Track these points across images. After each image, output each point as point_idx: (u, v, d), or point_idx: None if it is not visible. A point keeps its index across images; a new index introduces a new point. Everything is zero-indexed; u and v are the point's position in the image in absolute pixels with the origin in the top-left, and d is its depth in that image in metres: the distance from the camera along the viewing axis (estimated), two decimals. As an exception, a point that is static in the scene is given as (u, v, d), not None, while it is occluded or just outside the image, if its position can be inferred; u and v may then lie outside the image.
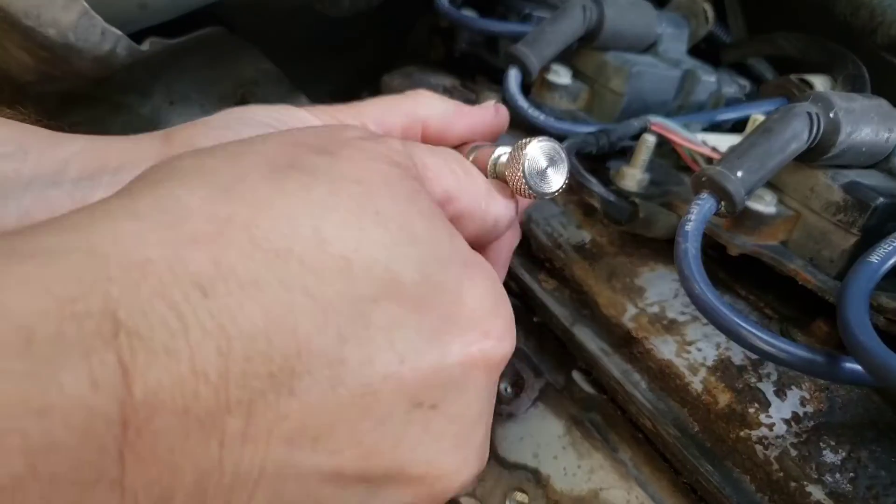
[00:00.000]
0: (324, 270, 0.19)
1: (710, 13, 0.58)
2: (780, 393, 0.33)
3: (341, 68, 0.86)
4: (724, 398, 0.33)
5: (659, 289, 0.40)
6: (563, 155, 0.29)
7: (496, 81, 0.62)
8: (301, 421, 0.19)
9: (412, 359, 0.21)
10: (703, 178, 0.34)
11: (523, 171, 0.28)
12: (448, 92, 0.65)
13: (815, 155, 0.36)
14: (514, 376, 0.40)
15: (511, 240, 0.36)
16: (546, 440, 0.37)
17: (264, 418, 0.18)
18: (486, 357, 0.23)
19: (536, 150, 0.28)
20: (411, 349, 0.21)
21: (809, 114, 0.34)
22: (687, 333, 0.37)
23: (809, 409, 0.32)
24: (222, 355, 0.17)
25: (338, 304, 0.19)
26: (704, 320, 0.37)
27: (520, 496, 0.36)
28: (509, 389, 0.40)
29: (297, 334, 0.19)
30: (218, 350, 0.17)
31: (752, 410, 0.32)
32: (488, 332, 0.23)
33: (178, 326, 0.17)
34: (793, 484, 0.30)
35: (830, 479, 0.30)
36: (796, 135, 0.34)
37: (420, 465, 0.22)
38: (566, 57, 0.56)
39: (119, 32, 0.40)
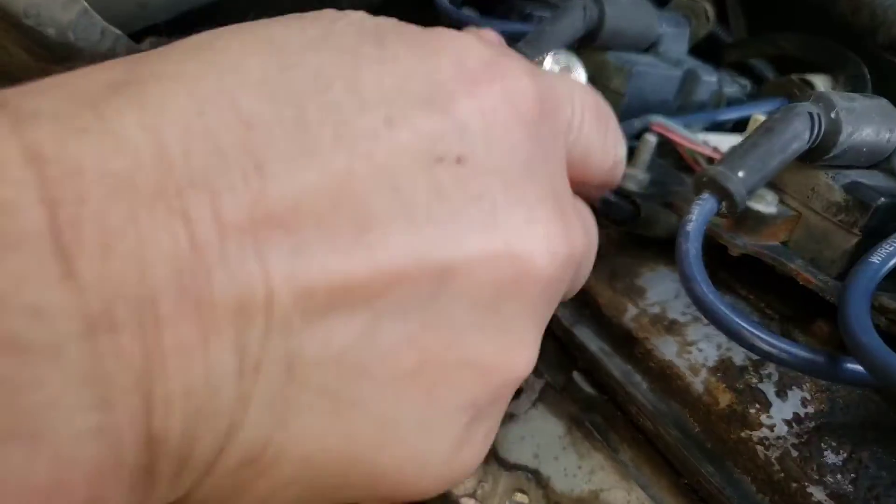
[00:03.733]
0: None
1: (711, 13, 0.58)
2: (781, 393, 0.33)
3: (341, 68, 0.86)
4: (724, 399, 0.33)
5: (660, 289, 0.40)
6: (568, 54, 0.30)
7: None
8: (281, 203, 0.15)
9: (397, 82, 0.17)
10: (705, 179, 0.34)
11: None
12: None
13: (816, 155, 0.35)
14: None
15: None
16: (546, 441, 0.37)
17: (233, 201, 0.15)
18: (505, 86, 0.19)
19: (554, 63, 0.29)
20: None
21: (811, 114, 0.34)
22: (688, 334, 0.37)
23: (810, 409, 0.32)
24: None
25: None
26: (705, 321, 0.37)
27: (520, 497, 0.36)
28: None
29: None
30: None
31: (752, 411, 0.32)
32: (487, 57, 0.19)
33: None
34: (794, 485, 0.30)
35: (831, 480, 0.29)
36: (797, 135, 0.34)
37: (474, 244, 0.17)
38: (567, 57, 0.56)
39: (118, 32, 0.40)
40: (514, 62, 0.21)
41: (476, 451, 0.21)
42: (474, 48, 0.20)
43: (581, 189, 0.26)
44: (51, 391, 0.13)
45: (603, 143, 0.26)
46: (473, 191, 0.18)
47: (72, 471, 0.13)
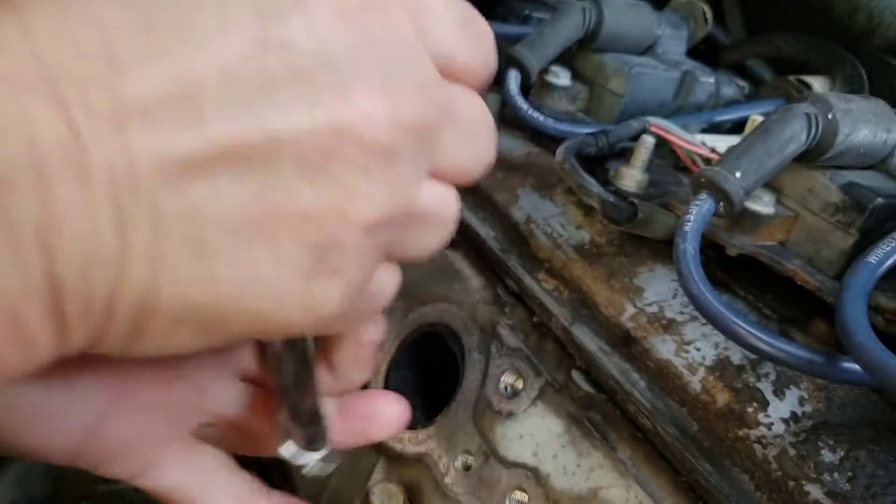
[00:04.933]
0: None
1: (709, 15, 0.58)
2: (779, 392, 0.33)
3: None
4: (722, 398, 0.33)
5: (658, 289, 0.40)
6: None
7: (496, 82, 0.62)
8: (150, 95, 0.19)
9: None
10: (702, 179, 0.34)
11: None
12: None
13: (813, 156, 0.36)
14: (514, 375, 0.40)
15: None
16: (545, 439, 0.37)
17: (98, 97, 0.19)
18: None
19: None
20: None
21: (808, 115, 0.34)
22: (685, 333, 0.37)
23: (808, 408, 0.33)
24: None
25: None
26: (703, 320, 0.37)
27: (519, 495, 0.36)
28: (509, 388, 0.40)
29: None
30: None
31: (750, 410, 0.33)
32: None
33: None
34: (791, 483, 0.30)
35: (829, 479, 0.30)
36: (794, 136, 0.34)
37: (297, 117, 0.21)
38: (565, 58, 0.56)
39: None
40: None
41: (327, 286, 0.24)
42: None
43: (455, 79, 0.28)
44: None
45: (460, 38, 0.27)
46: (298, 72, 0.21)
47: None
